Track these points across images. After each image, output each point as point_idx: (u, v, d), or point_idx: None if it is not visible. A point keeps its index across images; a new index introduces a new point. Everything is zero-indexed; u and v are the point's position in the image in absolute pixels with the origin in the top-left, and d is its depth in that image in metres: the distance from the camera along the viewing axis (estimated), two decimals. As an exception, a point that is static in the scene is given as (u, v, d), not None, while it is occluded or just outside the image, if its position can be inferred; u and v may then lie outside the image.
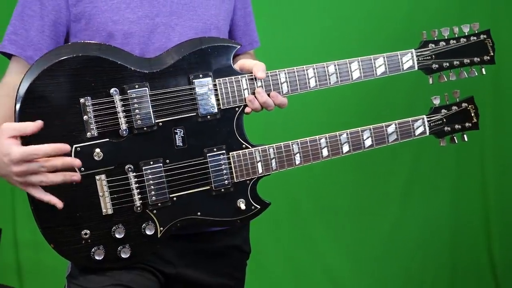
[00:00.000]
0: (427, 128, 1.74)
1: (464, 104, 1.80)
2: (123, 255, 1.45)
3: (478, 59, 1.82)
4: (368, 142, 1.66)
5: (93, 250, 1.43)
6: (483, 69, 1.84)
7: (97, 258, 1.43)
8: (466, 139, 1.82)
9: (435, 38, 1.77)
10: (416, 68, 1.73)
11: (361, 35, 3.30)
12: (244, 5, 1.77)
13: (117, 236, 1.44)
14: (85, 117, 1.41)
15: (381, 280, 3.39)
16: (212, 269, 1.65)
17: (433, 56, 1.76)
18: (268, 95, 1.55)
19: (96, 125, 1.42)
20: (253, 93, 1.54)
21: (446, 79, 1.79)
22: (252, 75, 1.54)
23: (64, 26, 1.53)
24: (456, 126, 1.79)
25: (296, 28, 3.36)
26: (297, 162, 1.59)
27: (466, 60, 1.81)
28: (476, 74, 1.84)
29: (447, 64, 1.77)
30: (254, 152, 1.55)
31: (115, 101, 1.43)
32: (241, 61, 1.59)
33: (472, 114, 1.82)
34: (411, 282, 3.40)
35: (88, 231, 1.43)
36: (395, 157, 3.37)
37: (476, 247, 3.40)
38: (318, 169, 3.24)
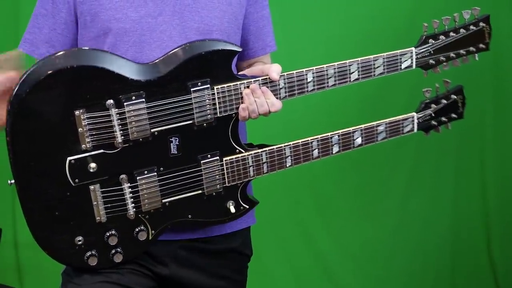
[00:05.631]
0: (416, 126, 1.75)
1: (453, 96, 1.80)
2: (116, 260, 1.49)
3: (474, 49, 1.80)
4: (358, 142, 1.67)
5: (87, 255, 1.46)
6: (476, 56, 1.82)
7: (90, 264, 1.46)
8: (450, 127, 1.85)
9: (436, 31, 1.72)
10: (414, 67, 1.70)
11: (363, 35, 3.14)
12: (257, 9, 1.70)
13: (110, 241, 1.46)
14: (79, 130, 1.37)
15: (382, 280, 3.37)
16: (210, 271, 1.66)
17: (432, 52, 1.72)
18: None
19: (91, 137, 1.38)
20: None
21: (439, 70, 1.77)
22: (250, 82, 1.50)
23: (75, 23, 1.55)
24: (443, 119, 1.80)
25: (296, 29, 3.21)
26: (288, 165, 1.60)
27: (462, 51, 1.78)
28: (469, 61, 1.83)
29: (444, 58, 1.75)
30: (247, 157, 1.55)
31: (111, 114, 1.38)
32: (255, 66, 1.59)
33: (459, 105, 1.83)
34: (412, 283, 3.38)
35: (82, 238, 1.44)
36: (396, 158, 3.32)
37: (476, 248, 3.38)
38: (319, 170, 3.23)
